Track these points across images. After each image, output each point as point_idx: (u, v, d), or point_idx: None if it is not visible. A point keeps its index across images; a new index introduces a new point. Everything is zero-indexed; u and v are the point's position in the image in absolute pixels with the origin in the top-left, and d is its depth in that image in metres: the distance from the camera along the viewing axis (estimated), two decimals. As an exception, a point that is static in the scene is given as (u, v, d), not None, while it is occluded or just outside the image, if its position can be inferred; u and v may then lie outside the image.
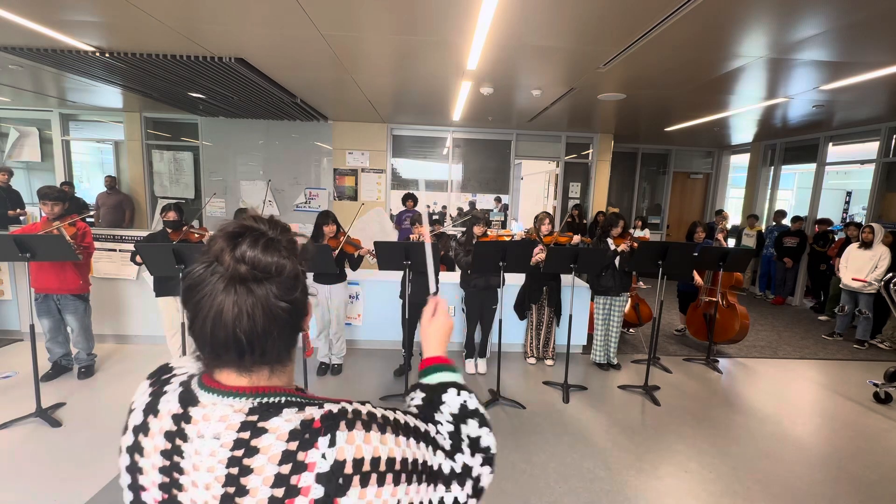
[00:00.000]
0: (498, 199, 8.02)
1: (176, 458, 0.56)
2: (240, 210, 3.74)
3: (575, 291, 3.99)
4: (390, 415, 0.60)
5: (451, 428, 0.69)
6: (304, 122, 7.03)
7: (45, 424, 2.87)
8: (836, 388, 3.93)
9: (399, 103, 5.65)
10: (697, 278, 4.54)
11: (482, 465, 0.67)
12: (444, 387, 0.74)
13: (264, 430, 0.54)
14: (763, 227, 7.48)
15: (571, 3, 2.57)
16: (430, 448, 0.62)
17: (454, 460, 0.65)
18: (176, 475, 0.56)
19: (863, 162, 6.66)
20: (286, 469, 0.52)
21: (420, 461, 0.59)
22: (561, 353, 4.01)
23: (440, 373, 0.77)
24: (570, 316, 3.65)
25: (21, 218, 5.43)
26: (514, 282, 4.20)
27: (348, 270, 3.80)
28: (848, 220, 7.76)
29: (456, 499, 0.63)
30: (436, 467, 0.61)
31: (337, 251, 3.41)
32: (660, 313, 3.92)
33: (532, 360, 4.23)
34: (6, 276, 4.22)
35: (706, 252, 4.14)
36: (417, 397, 0.74)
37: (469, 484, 0.65)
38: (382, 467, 0.54)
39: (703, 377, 4.06)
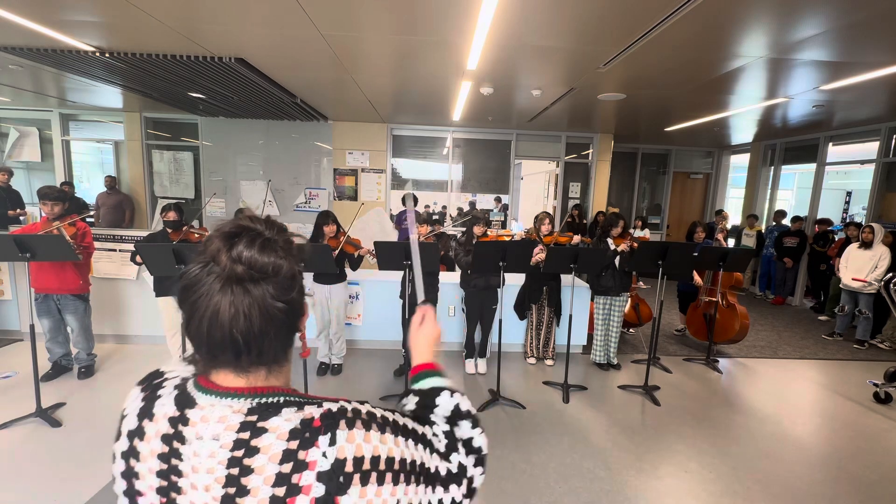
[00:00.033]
0: (498, 199, 8.02)
1: (174, 461, 0.55)
2: (240, 210, 3.75)
3: (575, 291, 3.99)
4: (389, 415, 0.61)
5: (446, 428, 0.69)
6: (304, 122, 7.04)
7: (45, 424, 2.87)
8: (836, 388, 3.93)
9: (399, 103, 5.65)
10: (697, 278, 4.54)
11: (475, 465, 0.68)
12: (436, 390, 0.75)
13: (264, 430, 0.54)
14: (763, 227, 7.48)
15: (571, 3, 2.57)
16: (427, 450, 0.62)
17: (450, 461, 0.65)
18: (174, 478, 0.55)
19: (863, 162, 6.66)
20: (287, 468, 0.52)
21: (418, 462, 0.59)
22: (561, 353, 4.01)
23: (431, 378, 0.78)
24: (570, 316, 3.65)
25: (21, 218, 5.43)
26: (514, 282, 4.20)
27: (348, 270, 3.80)
28: (848, 220, 7.76)
29: (453, 499, 0.63)
30: (433, 469, 0.62)
31: (337, 251, 3.41)
32: (660, 313, 3.92)
33: (532, 360, 4.23)
34: (6, 276, 4.22)
35: (706, 252, 4.14)
36: (411, 402, 0.75)
37: (464, 484, 0.65)
38: (382, 466, 0.55)
39: (703, 377, 4.06)
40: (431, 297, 3.73)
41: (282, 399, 0.58)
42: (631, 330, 5.07)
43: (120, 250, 4.11)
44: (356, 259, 3.66)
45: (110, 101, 6.28)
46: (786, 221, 6.93)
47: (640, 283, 5.70)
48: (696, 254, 4.07)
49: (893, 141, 5.82)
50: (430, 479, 0.60)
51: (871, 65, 3.48)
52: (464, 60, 3.66)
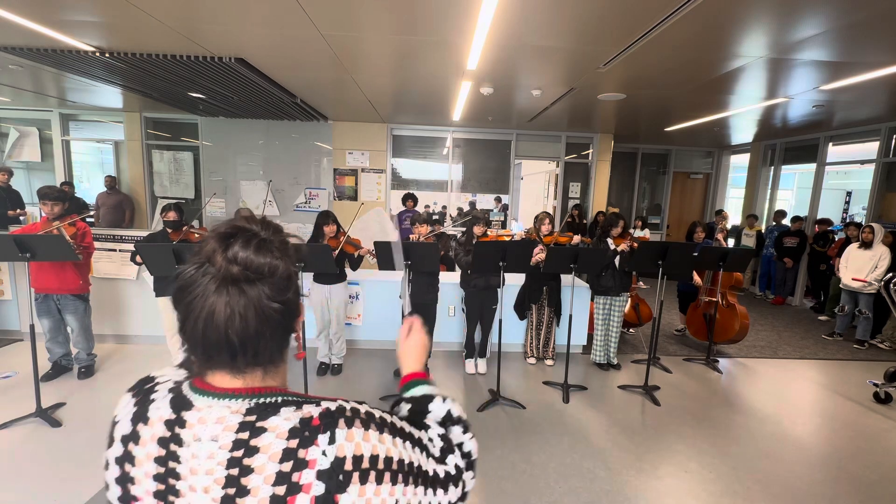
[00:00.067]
0: (498, 199, 8.02)
1: (171, 464, 0.55)
2: (240, 210, 3.75)
3: (575, 291, 3.99)
4: (387, 417, 0.61)
5: (441, 431, 0.70)
6: (304, 122, 7.03)
7: (45, 424, 2.87)
8: (836, 388, 3.93)
9: (399, 103, 5.65)
10: (697, 278, 4.54)
11: (466, 469, 0.69)
12: (428, 397, 0.76)
13: (263, 430, 0.54)
14: (763, 227, 7.48)
15: (571, 3, 2.57)
16: (423, 453, 0.62)
17: (446, 464, 0.66)
18: (172, 481, 0.55)
19: (863, 162, 6.66)
20: (287, 467, 0.52)
21: (415, 464, 0.60)
22: (561, 353, 4.01)
23: (421, 387, 0.78)
24: (570, 316, 3.65)
25: (21, 218, 5.43)
26: (514, 282, 4.20)
27: (348, 270, 3.80)
28: (848, 220, 7.76)
29: (449, 502, 0.64)
30: (431, 472, 0.62)
31: (337, 251, 3.41)
32: (660, 313, 3.92)
33: (532, 360, 4.23)
34: (6, 276, 4.22)
35: (706, 252, 4.14)
36: (404, 409, 0.76)
37: (460, 486, 0.66)
38: (381, 465, 0.55)
39: (703, 377, 4.07)
40: (431, 297, 3.73)
41: (280, 399, 0.58)
42: (631, 330, 5.07)
43: (120, 250, 4.11)
44: (356, 259, 3.66)
45: (110, 101, 6.28)
46: (786, 221, 6.93)
47: (640, 283, 5.70)
48: (696, 254, 4.07)
49: (893, 141, 5.82)
50: (427, 481, 0.61)
51: (871, 65, 3.48)
52: (464, 60, 3.66)
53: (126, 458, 0.58)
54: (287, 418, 0.55)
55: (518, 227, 7.95)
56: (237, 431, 0.54)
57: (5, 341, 4.20)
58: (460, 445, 0.70)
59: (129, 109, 6.83)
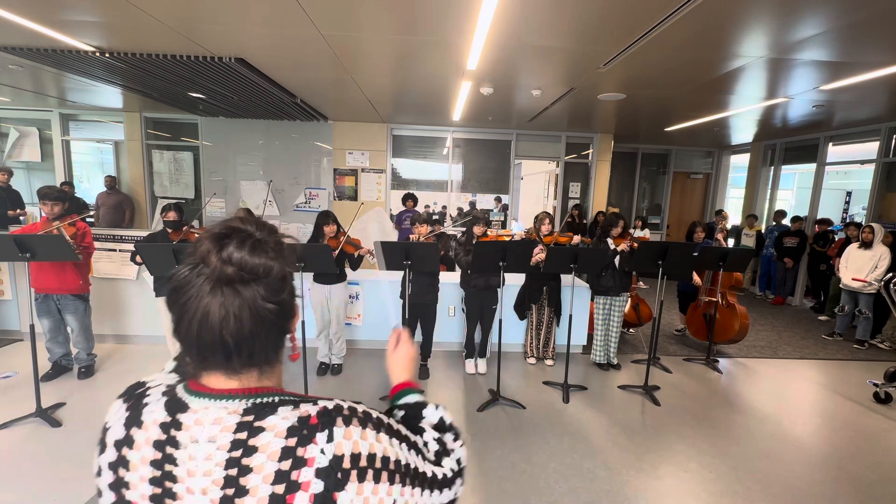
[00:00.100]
0: (498, 199, 8.02)
1: (168, 467, 0.55)
2: (240, 210, 3.75)
3: (575, 291, 3.99)
4: (383, 418, 0.61)
5: (435, 435, 0.71)
6: (304, 122, 7.03)
7: (45, 424, 2.87)
8: (836, 388, 3.93)
9: (399, 103, 5.65)
10: (696, 278, 4.54)
11: (457, 475, 0.69)
12: (422, 404, 0.77)
13: (261, 429, 0.54)
14: (763, 228, 7.48)
15: (571, 3, 2.57)
16: (419, 456, 0.63)
17: (442, 466, 0.66)
18: (168, 484, 0.54)
19: (863, 162, 6.66)
20: (286, 465, 0.52)
21: (412, 466, 0.60)
22: (561, 353, 4.01)
23: (412, 395, 0.79)
24: (570, 316, 3.65)
25: (21, 218, 5.43)
26: (514, 282, 4.20)
27: (348, 270, 3.80)
28: (848, 220, 7.76)
29: None
30: (429, 473, 0.63)
31: (337, 251, 3.41)
32: (660, 313, 3.92)
33: (532, 360, 4.23)
34: (6, 276, 4.22)
35: (706, 252, 4.14)
36: (398, 415, 0.77)
37: (453, 489, 0.67)
38: (378, 464, 0.55)
39: (703, 377, 4.06)
40: (431, 297, 3.73)
41: (277, 398, 0.58)
42: (631, 330, 5.07)
43: (120, 250, 4.11)
44: (356, 259, 3.66)
45: (110, 101, 6.28)
46: (786, 221, 6.93)
47: (640, 283, 5.70)
48: (696, 254, 4.07)
49: (893, 141, 5.82)
50: (424, 482, 0.61)
51: (871, 65, 3.48)
52: (464, 60, 3.66)
53: (120, 463, 0.57)
54: (285, 417, 0.55)
55: (518, 227, 7.95)
56: (235, 432, 0.54)
57: (5, 341, 4.20)
58: (452, 452, 0.71)
59: (129, 109, 6.83)
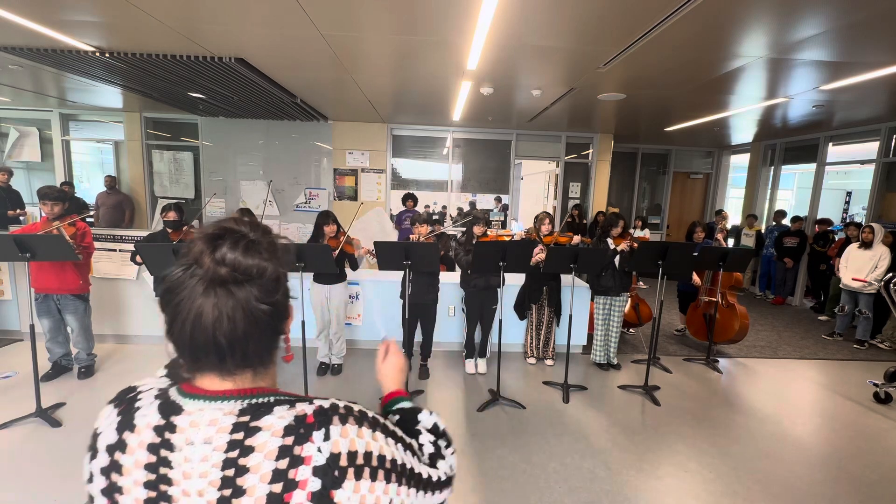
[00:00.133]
0: (498, 199, 8.02)
1: (163, 470, 0.54)
2: (240, 210, 3.75)
3: (575, 291, 3.99)
4: (379, 418, 0.62)
5: (431, 438, 0.73)
6: (304, 122, 7.03)
7: (45, 424, 2.87)
8: (836, 388, 3.93)
9: (399, 103, 5.65)
10: (696, 278, 4.54)
11: (447, 481, 0.70)
12: (416, 409, 0.79)
13: (258, 429, 0.54)
14: (763, 227, 7.48)
15: (571, 3, 2.57)
16: (415, 457, 0.64)
17: (437, 468, 0.67)
18: (164, 487, 0.54)
19: (863, 162, 6.66)
20: (283, 464, 0.52)
21: (408, 466, 0.60)
22: (561, 353, 4.01)
23: (403, 403, 0.81)
24: (570, 316, 3.65)
25: (21, 218, 5.43)
26: (514, 282, 4.20)
27: (348, 270, 3.80)
28: (848, 220, 7.76)
29: None
30: (424, 475, 0.63)
31: (337, 251, 3.41)
32: (660, 313, 3.92)
33: (532, 360, 4.23)
34: (6, 276, 4.22)
35: (706, 252, 4.14)
36: (393, 419, 0.78)
37: (445, 492, 0.67)
38: (374, 462, 0.55)
39: (703, 377, 4.06)
40: (431, 297, 3.73)
41: (272, 399, 0.58)
42: (631, 330, 5.07)
43: (120, 250, 4.11)
44: (356, 259, 3.66)
45: (110, 101, 6.28)
46: (786, 221, 6.93)
47: (640, 283, 5.70)
48: (696, 254, 4.07)
49: (893, 141, 5.82)
50: (420, 483, 0.62)
51: (871, 65, 3.48)
52: (464, 60, 3.66)
53: (113, 468, 0.57)
54: (281, 416, 0.55)
55: (518, 227, 7.95)
56: (231, 432, 0.54)
57: (5, 341, 4.20)
58: (445, 457, 0.72)
59: (129, 109, 6.83)
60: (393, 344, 0.93)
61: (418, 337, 3.91)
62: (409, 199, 6.57)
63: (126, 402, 0.61)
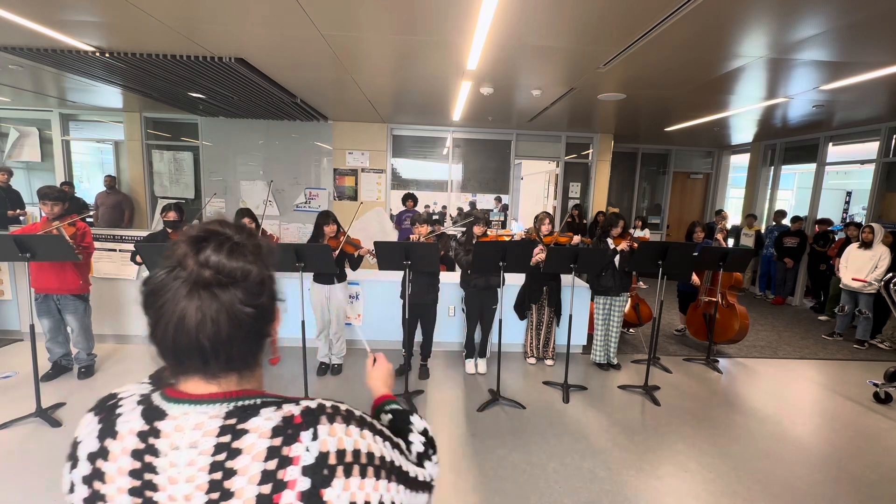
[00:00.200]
0: (498, 199, 8.02)
1: (148, 476, 0.53)
2: (241, 210, 3.74)
3: (575, 291, 3.99)
4: (366, 417, 0.62)
5: (423, 439, 0.75)
6: (304, 122, 7.03)
7: (45, 424, 2.87)
8: (836, 388, 3.93)
9: (399, 103, 5.65)
10: (695, 278, 4.54)
11: (430, 485, 0.71)
12: (408, 411, 0.81)
13: (245, 431, 0.54)
14: (763, 227, 7.48)
15: (571, 3, 2.57)
16: (403, 456, 0.64)
17: (424, 468, 0.69)
18: (149, 493, 0.53)
19: (863, 162, 6.66)
20: (272, 465, 0.52)
21: (396, 463, 0.61)
22: (561, 353, 4.01)
23: (394, 405, 0.84)
24: (570, 316, 3.65)
25: (21, 218, 5.43)
26: (514, 282, 4.20)
27: (348, 270, 3.80)
28: (848, 220, 7.76)
29: None
30: (412, 473, 0.64)
31: (337, 251, 3.41)
32: (660, 313, 3.92)
33: (532, 360, 4.23)
34: (6, 276, 4.22)
35: (706, 252, 4.14)
36: (384, 419, 0.80)
37: (428, 495, 0.68)
38: (363, 460, 0.55)
39: (703, 377, 4.06)
40: (431, 297, 3.73)
41: (259, 401, 0.58)
42: (631, 330, 5.07)
43: (120, 250, 4.11)
44: (356, 259, 3.66)
45: (110, 101, 6.28)
46: (786, 221, 6.93)
47: (640, 283, 5.70)
48: (695, 254, 4.07)
49: (893, 141, 5.82)
50: (408, 481, 0.62)
51: (871, 65, 3.48)
52: (464, 60, 3.66)
53: (95, 476, 0.56)
54: (268, 418, 0.55)
55: (518, 227, 7.95)
56: (218, 435, 0.53)
57: (5, 341, 4.20)
58: (430, 459, 0.74)
59: (129, 109, 6.83)
60: (380, 356, 0.98)
61: (418, 337, 3.91)
62: (409, 199, 6.58)
63: (107, 410, 0.60)
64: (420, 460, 0.69)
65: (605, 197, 7.79)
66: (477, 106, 5.54)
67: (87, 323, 3.57)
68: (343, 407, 0.60)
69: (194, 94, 5.27)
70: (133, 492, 0.54)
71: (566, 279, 4.07)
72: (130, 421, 0.57)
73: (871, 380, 3.93)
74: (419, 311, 3.73)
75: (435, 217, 7.23)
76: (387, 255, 3.19)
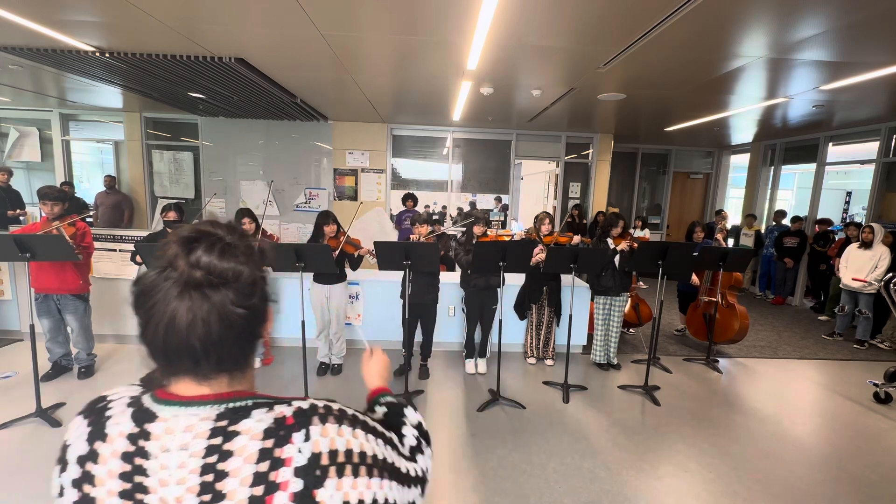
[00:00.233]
0: (498, 199, 8.02)
1: (138, 479, 0.53)
2: (241, 210, 3.73)
3: (575, 291, 3.99)
4: (359, 415, 0.62)
5: (416, 433, 0.74)
6: (304, 122, 7.03)
7: (45, 424, 2.87)
8: (836, 388, 3.93)
9: (399, 103, 5.65)
10: (695, 278, 4.54)
11: (423, 479, 0.70)
12: (403, 404, 0.81)
13: (236, 433, 0.53)
14: (763, 227, 7.48)
15: (571, 3, 2.57)
16: (395, 452, 0.64)
17: (416, 462, 0.68)
18: (140, 496, 0.53)
19: (863, 162, 6.66)
20: (264, 467, 0.52)
21: (389, 460, 0.61)
22: (561, 353, 4.01)
23: (388, 398, 0.83)
24: (570, 316, 3.65)
25: (21, 218, 5.43)
26: (514, 282, 4.20)
27: (348, 270, 3.80)
28: (848, 220, 7.76)
29: (414, 501, 0.66)
30: (403, 470, 0.64)
31: (337, 251, 3.41)
32: (660, 313, 3.92)
33: (532, 360, 4.23)
34: (6, 276, 4.22)
35: (706, 252, 4.14)
36: (379, 412, 0.79)
37: (419, 491, 0.68)
38: (356, 459, 0.56)
39: (703, 377, 4.06)
40: (431, 297, 3.73)
41: (250, 402, 0.57)
42: (631, 330, 5.07)
43: (120, 250, 4.11)
44: (356, 259, 3.66)
45: (110, 101, 6.28)
46: (786, 221, 6.93)
47: (640, 283, 5.70)
48: (695, 254, 4.07)
49: (893, 141, 5.82)
50: (401, 477, 0.62)
51: (871, 65, 3.48)
52: (464, 60, 3.66)
53: (85, 479, 0.55)
54: (260, 420, 0.55)
55: (518, 227, 7.95)
56: (209, 437, 0.53)
57: (5, 341, 4.20)
58: (424, 452, 0.74)
59: (129, 109, 6.83)
60: (377, 348, 0.97)
61: (418, 337, 3.91)
62: (409, 199, 6.58)
63: (96, 413, 0.60)
64: (413, 454, 0.69)
65: (605, 197, 7.79)
66: (477, 106, 5.54)
67: (87, 323, 3.57)
68: (335, 406, 0.59)
69: (194, 94, 5.27)
70: (123, 494, 0.53)
71: (566, 279, 4.07)
72: (120, 423, 0.57)
73: (871, 380, 3.93)
74: (419, 311, 3.73)
75: (435, 217, 7.24)
76: (387, 255, 3.19)
